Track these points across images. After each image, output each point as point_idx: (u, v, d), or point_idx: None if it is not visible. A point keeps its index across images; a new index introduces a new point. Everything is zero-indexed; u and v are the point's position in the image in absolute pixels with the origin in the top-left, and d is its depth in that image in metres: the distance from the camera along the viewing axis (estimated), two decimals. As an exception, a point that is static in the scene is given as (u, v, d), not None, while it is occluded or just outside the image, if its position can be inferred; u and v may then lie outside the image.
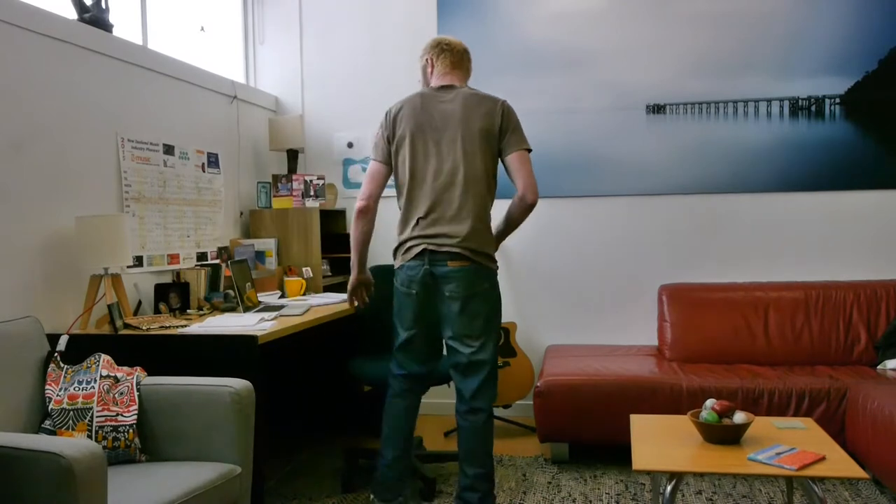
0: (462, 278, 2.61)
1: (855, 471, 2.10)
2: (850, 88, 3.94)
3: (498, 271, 2.75)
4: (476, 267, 2.62)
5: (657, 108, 4.13)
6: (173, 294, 3.19)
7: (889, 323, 3.67)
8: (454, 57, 2.79)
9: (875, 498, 3.00)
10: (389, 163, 2.76)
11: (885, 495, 3.03)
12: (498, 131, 2.67)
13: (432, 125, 2.67)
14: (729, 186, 4.08)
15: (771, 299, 3.81)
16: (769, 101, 4.03)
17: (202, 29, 4.15)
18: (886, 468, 2.82)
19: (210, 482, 2.15)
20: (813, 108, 3.99)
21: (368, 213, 2.76)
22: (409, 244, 2.69)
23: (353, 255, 2.86)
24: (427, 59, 2.82)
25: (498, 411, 4.29)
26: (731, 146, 4.07)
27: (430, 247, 2.63)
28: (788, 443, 2.33)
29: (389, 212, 4.24)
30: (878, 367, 3.54)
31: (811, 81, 3.98)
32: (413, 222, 2.68)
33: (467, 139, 2.64)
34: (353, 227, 2.80)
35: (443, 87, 2.74)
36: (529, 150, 2.69)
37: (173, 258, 3.52)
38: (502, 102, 2.70)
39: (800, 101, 4.00)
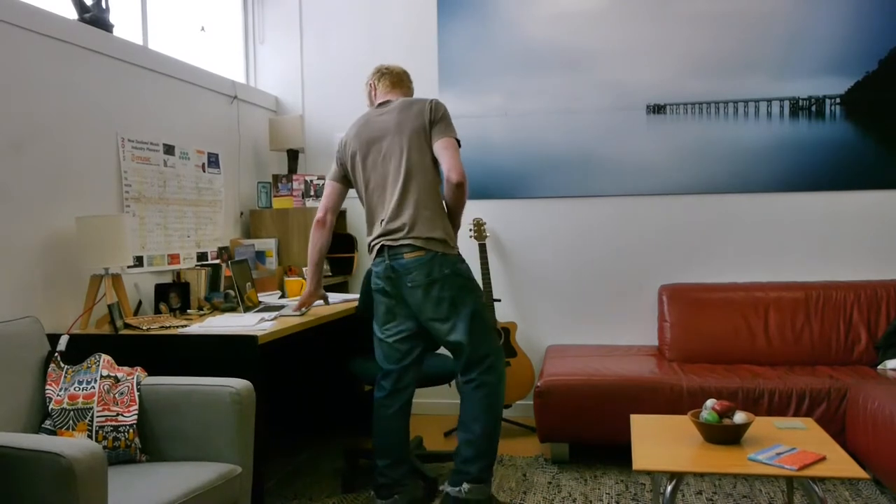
0: (419, 267, 2.74)
1: (855, 471, 2.10)
2: (851, 88, 3.94)
3: (457, 254, 2.82)
4: (431, 255, 2.74)
5: (657, 108, 4.13)
6: (173, 294, 3.19)
7: (889, 323, 3.67)
8: (393, 78, 3.01)
9: (875, 498, 3.00)
10: (343, 182, 3.00)
11: (885, 495, 3.03)
12: (428, 125, 2.81)
13: (374, 137, 2.88)
14: (729, 186, 4.08)
15: (771, 299, 3.81)
16: (769, 101, 4.03)
17: (202, 29, 4.15)
18: (887, 468, 2.82)
19: (210, 482, 2.14)
20: (813, 108, 3.99)
21: (325, 225, 2.99)
22: (371, 244, 2.88)
23: (309, 268, 3.05)
24: (370, 84, 3.06)
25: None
26: (732, 146, 4.08)
27: (387, 242, 2.79)
28: (789, 443, 2.33)
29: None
30: (879, 367, 3.54)
31: (811, 81, 3.98)
32: (377, 224, 2.86)
33: (404, 140, 2.81)
34: (310, 239, 3.01)
35: (381, 104, 2.96)
36: (458, 142, 2.83)
37: (173, 258, 3.52)
38: (431, 100, 2.86)
39: (800, 101, 4.00)
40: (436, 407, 4.44)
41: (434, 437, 3.98)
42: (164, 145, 3.49)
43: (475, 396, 2.78)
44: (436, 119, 2.81)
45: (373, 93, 3.04)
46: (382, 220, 2.81)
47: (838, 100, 3.96)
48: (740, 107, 4.06)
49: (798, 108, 4.01)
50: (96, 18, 3.09)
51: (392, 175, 2.81)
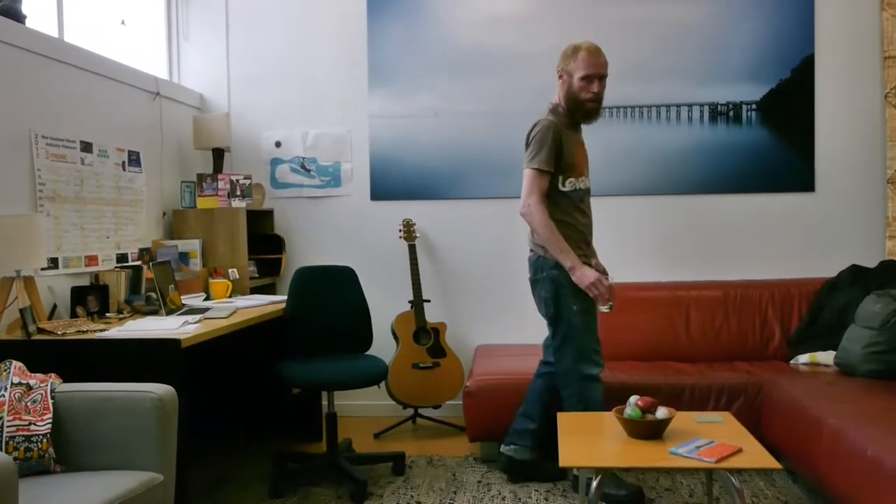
0: (530, 265, 3.12)
1: (769, 462, 2.19)
2: (766, 95, 4.12)
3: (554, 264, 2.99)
4: (537, 256, 3.06)
5: (584, 112, 4.21)
6: (91, 297, 3.07)
7: (801, 320, 3.83)
8: None
9: (789, 487, 3.14)
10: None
11: (798, 484, 3.16)
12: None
13: None
14: (652, 188, 4.20)
15: (692, 298, 3.93)
16: (690, 105, 4.16)
17: (122, 22, 4.01)
18: (799, 459, 2.94)
19: (131, 491, 2.08)
20: (731, 113, 4.15)
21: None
22: None
23: (564, 246, 2.98)
24: None
25: (428, 411, 4.28)
26: (655, 149, 4.19)
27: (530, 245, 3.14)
28: (708, 436, 2.41)
29: (308, 212, 4.22)
30: (791, 361, 3.70)
31: (730, 88, 4.14)
32: None
33: (525, 159, 3.06)
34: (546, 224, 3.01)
35: None
36: (538, 170, 2.94)
37: (91, 260, 3.38)
38: (534, 124, 3.02)
39: (719, 106, 4.15)
40: (365, 409, 4.41)
41: (364, 438, 3.96)
42: (82, 142, 3.36)
43: (538, 384, 3.21)
44: (525, 146, 3.01)
45: None
46: None
47: (754, 105, 4.13)
48: (663, 111, 4.18)
49: (717, 112, 4.15)
50: (7, 8, 2.95)
51: None
